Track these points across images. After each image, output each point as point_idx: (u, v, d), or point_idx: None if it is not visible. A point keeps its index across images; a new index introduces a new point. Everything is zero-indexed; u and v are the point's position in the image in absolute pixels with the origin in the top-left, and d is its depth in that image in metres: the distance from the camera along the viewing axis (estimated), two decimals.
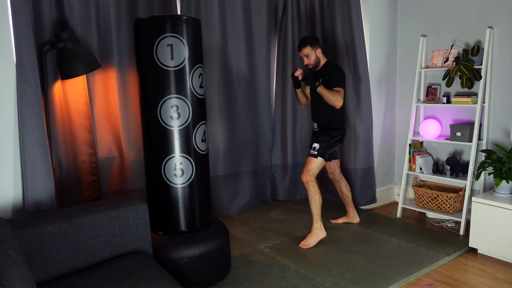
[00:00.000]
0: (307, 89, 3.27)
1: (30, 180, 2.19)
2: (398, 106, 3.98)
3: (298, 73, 3.01)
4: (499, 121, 3.21)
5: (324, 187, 3.81)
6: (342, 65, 3.58)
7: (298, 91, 3.16)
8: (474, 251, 2.86)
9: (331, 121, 3.06)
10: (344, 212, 3.56)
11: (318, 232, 3.00)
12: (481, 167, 2.92)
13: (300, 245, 2.97)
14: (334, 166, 3.28)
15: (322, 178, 3.57)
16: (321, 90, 2.88)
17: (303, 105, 3.28)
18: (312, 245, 2.96)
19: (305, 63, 3.03)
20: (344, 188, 3.37)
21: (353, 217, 3.43)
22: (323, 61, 3.05)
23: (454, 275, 2.55)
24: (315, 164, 2.99)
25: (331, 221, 3.46)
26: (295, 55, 3.86)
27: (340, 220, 3.45)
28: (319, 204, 2.98)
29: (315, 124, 3.16)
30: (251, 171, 3.85)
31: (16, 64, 2.14)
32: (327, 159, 3.04)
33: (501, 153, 3.00)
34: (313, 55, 2.99)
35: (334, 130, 3.04)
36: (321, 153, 2.99)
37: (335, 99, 2.87)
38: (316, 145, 3.01)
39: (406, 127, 3.88)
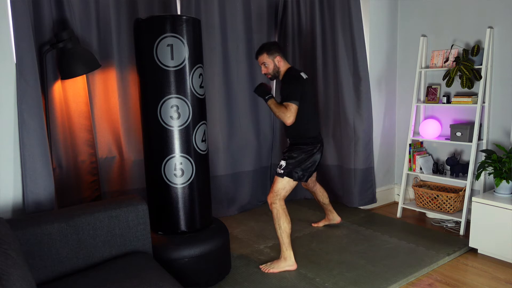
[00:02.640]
0: None
1: (30, 180, 2.19)
2: (398, 106, 3.98)
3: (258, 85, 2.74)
4: (499, 121, 3.21)
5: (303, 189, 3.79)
6: (342, 65, 3.58)
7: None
8: (474, 251, 2.86)
9: (299, 135, 2.73)
10: (347, 213, 3.56)
11: (285, 262, 2.62)
12: (481, 167, 2.92)
13: (261, 267, 2.64)
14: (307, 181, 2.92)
15: None
16: (270, 104, 2.62)
17: None
18: (274, 271, 2.59)
19: (263, 72, 2.76)
20: (320, 197, 3.23)
21: (333, 219, 3.36)
22: (284, 69, 2.73)
23: (454, 275, 2.55)
24: (281, 184, 2.63)
25: (313, 224, 3.39)
26: (295, 55, 3.86)
27: (321, 224, 3.38)
28: (286, 230, 2.61)
29: (288, 139, 2.85)
30: (251, 171, 3.85)
31: (16, 64, 2.14)
32: (298, 178, 2.68)
33: (501, 153, 3.00)
34: (270, 64, 2.70)
35: (305, 145, 2.71)
36: (287, 173, 2.64)
37: (283, 116, 2.55)
38: (283, 163, 2.67)
39: (406, 127, 3.88)
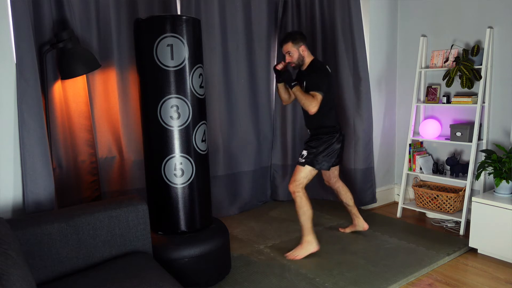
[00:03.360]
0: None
1: (30, 180, 2.19)
2: (398, 106, 3.98)
3: (280, 66, 2.80)
4: (499, 121, 3.21)
5: (324, 188, 3.80)
6: (342, 65, 3.58)
7: (280, 86, 2.93)
8: (474, 251, 2.86)
9: (321, 126, 2.83)
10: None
11: (308, 246, 2.78)
12: (481, 167, 2.92)
13: (286, 255, 2.78)
14: (329, 174, 3.05)
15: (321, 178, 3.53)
16: (295, 91, 2.68)
17: (284, 102, 3.04)
18: (300, 257, 2.75)
19: (287, 60, 2.80)
20: (343, 197, 3.11)
21: (358, 225, 3.17)
22: (308, 59, 2.80)
23: (454, 275, 2.55)
24: (303, 173, 2.75)
25: (340, 229, 3.27)
26: None
27: (347, 230, 3.23)
28: (309, 216, 2.75)
29: (308, 131, 2.96)
30: (251, 171, 3.85)
31: (16, 64, 2.14)
32: (319, 168, 2.78)
33: (501, 153, 3.00)
34: (295, 53, 2.75)
35: (325, 135, 2.80)
36: (309, 161, 2.75)
37: (308, 104, 2.63)
38: (305, 152, 2.79)
39: (406, 127, 3.88)
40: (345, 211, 3.61)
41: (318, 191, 3.95)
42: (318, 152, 2.77)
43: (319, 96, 2.64)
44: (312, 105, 2.63)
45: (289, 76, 2.76)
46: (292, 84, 2.70)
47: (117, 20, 2.94)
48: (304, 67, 2.82)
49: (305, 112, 2.83)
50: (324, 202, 3.96)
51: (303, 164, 2.76)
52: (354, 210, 3.16)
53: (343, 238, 3.11)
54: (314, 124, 2.86)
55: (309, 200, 2.77)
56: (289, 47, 2.75)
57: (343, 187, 3.12)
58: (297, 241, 3.06)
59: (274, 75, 2.94)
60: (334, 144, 2.81)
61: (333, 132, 2.82)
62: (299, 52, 2.77)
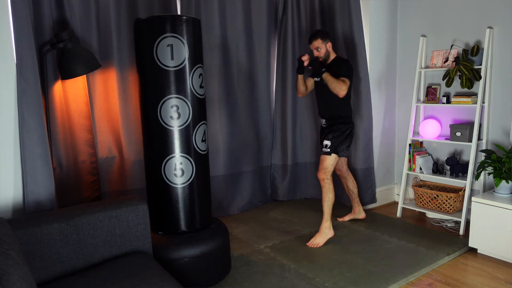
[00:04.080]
0: (309, 81, 3.27)
1: (30, 180, 2.19)
2: (398, 106, 3.98)
3: (305, 58, 3.04)
4: (499, 121, 3.21)
5: (308, 187, 3.85)
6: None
7: (300, 77, 3.19)
8: (474, 251, 2.86)
9: (339, 116, 3.08)
10: (346, 212, 3.57)
11: (326, 232, 3.00)
12: (481, 167, 2.92)
13: (308, 244, 2.98)
14: (342, 162, 3.31)
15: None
16: (326, 76, 2.91)
17: (301, 94, 3.29)
18: (320, 244, 2.96)
19: (315, 55, 3.05)
20: (350, 184, 3.38)
21: (359, 213, 3.46)
22: (332, 55, 3.08)
23: (454, 275, 2.55)
24: (330, 161, 3.00)
25: (338, 219, 3.48)
26: (295, 54, 3.86)
27: (346, 218, 3.48)
28: (332, 203, 2.99)
29: (323, 121, 3.19)
30: (251, 171, 3.85)
31: (16, 64, 2.14)
32: (341, 155, 3.07)
33: (501, 153, 3.00)
34: (323, 48, 3.02)
35: (344, 125, 3.06)
36: (334, 150, 3.00)
37: (339, 87, 2.87)
38: (328, 143, 3.02)
39: (406, 127, 3.88)
40: (344, 211, 3.62)
41: (318, 191, 3.95)
42: (341, 141, 3.04)
43: (348, 81, 2.92)
44: (343, 88, 2.88)
45: (319, 63, 2.98)
46: (323, 70, 2.93)
47: (117, 20, 2.94)
48: (329, 61, 3.07)
49: (324, 102, 3.14)
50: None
51: (329, 153, 3.01)
52: (357, 199, 3.46)
53: (343, 238, 3.11)
54: (333, 113, 3.10)
55: (333, 188, 3.02)
56: (319, 43, 3.01)
57: (351, 177, 3.41)
58: (297, 241, 3.07)
59: (297, 66, 3.16)
60: (350, 134, 3.10)
61: (349, 123, 3.10)
62: (327, 48, 3.04)
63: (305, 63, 3.06)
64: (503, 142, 3.19)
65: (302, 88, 3.25)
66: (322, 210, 3.01)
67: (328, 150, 3.00)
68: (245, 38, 3.66)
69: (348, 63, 3.02)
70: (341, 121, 3.08)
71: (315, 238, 2.99)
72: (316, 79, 3.12)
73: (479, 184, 3.28)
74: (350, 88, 3.00)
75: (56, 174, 2.71)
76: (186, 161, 2.37)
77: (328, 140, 3.02)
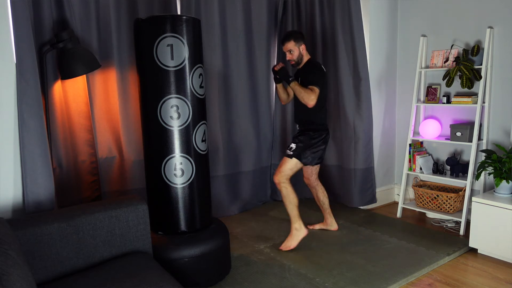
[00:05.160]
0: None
1: (30, 180, 2.19)
2: (398, 106, 3.98)
3: (278, 67, 2.87)
4: (499, 121, 3.21)
5: (304, 187, 3.81)
6: (342, 65, 3.58)
7: (279, 86, 3.05)
8: (474, 251, 2.86)
9: (310, 122, 2.94)
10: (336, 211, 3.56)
11: (297, 233, 2.90)
12: (481, 167, 2.92)
13: (280, 248, 2.89)
14: (311, 171, 3.12)
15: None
16: (293, 86, 2.77)
17: (283, 101, 3.18)
18: (293, 246, 2.88)
19: (288, 58, 2.92)
20: (320, 195, 3.20)
21: (331, 224, 3.26)
22: (306, 58, 2.94)
23: (454, 275, 2.55)
24: (289, 165, 2.86)
25: (308, 226, 3.27)
26: None
27: (317, 226, 3.30)
28: (295, 204, 2.87)
29: (297, 125, 3.06)
30: (251, 171, 3.85)
31: (16, 64, 2.14)
32: (305, 162, 2.91)
33: (501, 153, 3.00)
34: (296, 51, 2.87)
35: (313, 132, 2.91)
36: (296, 154, 2.87)
37: (307, 97, 2.73)
38: (293, 146, 2.90)
39: (406, 127, 3.88)
40: (339, 210, 3.61)
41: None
42: (306, 147, 2.89)
43: (316, 90, 2.77)
44: (311, 98, 2.74)
45: (286, 72, 2.84)
46: (290, 79, 2.79)
47: (117, 20, 2.94)
48: (301, 65, 2.94)
49: (297, 107, 3.01)
50: (304, 202, 3.92)
51: (290, 157, 2.88)
52: (328, 210, 3.26)
53: (343, 238, 3.11)
54: (304, 119, 2.97)
55: (293, 189, 2.89)
56: (292, 45, 2.87)
57: (321, 187, 3.22)
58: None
59: (273, 77, 3.03)
60: (320, 143, 2.93)
61: (321, 130, 2.95)
62: (300, 50, 2.89)
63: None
64: (503, 142, 3.19)
65: (283, 96, 3.12)
66: (288, 213, 2.90)
67: (291, 153, 2.87)
68: (245, 38, 3.66)
69: (319, 68, 2.88)
70: (312, 128, 2.93)
71: (287, 241, 2.91)
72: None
73: (479, 184, 3.28)
74: (323, 95, 2.89)
75: (56, 174, 2.71)
76: (186, 161, 2.37)
77: (295, 144, 2.90)
